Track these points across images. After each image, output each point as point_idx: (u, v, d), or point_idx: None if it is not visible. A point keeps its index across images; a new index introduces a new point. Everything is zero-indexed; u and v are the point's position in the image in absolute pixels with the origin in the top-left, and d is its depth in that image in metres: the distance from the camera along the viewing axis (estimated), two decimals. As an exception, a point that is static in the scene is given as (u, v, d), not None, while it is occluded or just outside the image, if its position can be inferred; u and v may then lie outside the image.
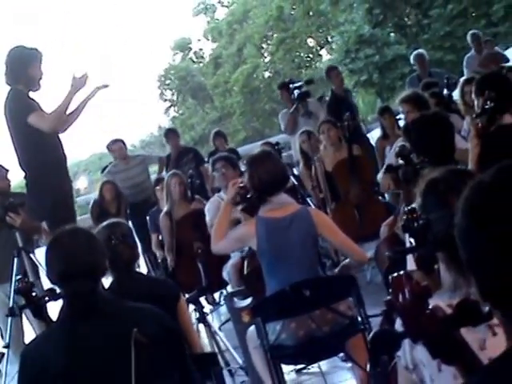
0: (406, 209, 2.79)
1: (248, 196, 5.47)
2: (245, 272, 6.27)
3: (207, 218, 7.86)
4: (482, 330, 2.34)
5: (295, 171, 10.51)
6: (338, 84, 12.23)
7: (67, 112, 7.14)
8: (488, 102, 5.32)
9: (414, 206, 2.80)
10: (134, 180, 11.23)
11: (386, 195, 9.25)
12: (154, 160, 12.06)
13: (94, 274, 3.66)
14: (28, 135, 7.02)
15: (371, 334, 2.00)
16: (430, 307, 1.97)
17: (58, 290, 3.80)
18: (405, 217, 2.75)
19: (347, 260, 6.00)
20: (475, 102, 5.62)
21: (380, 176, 7.69)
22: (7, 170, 7.63)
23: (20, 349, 5.26)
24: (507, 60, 11.72)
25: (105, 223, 4.93)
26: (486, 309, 1.86)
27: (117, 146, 11.69)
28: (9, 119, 7.08)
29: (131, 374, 3.28)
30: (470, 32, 13.91)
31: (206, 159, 11.93)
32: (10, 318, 6.45)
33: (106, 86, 7.44)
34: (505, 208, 1.67)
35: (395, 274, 1.98)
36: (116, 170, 11.60)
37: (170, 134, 12.86)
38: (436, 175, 2.87)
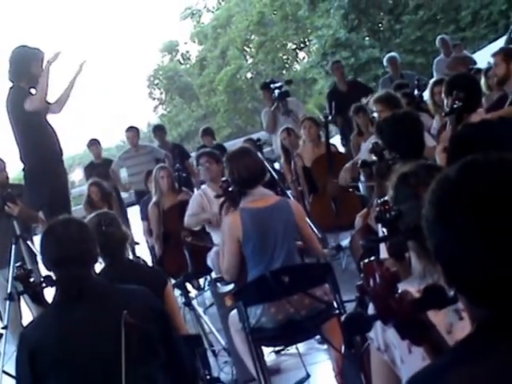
0: (378, 201, 2.80)
1: (230, 189, 5.47)
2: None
3: (189, 207, 7.88)
4: (449, 314, 2.34)
5: (276, 165, 10.55)
6: (339, 77, 12.23)
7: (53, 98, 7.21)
8: (456, 102, 5.34)
9: (386, 198, 2.80)
10: (142, 167, 11.09)
11: (361, 188, 9.27)
12: (161, 154, 11.77)
13: (85, 260, 3.68)
14: (27, 129, 7.03)
15: (344, 317, 2.00)
16: (399, 292, 1.97)
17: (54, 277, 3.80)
18: (377, 208, 2.76)
19: None
20: (444, 102, 5.63)
21: (343, 169, 7.73)
22: (5, 163, 7.60)
23: (18, 330, 5.27)
24: (475, 63, 11.74)
25: (93, 214, 4.94)
26: (451, 293, 1.87)
27: (130, 133, 11.83)
28: (10, 114, 7.10)
29: (121, 354, 3.27)
30: (439, 37, 13.94)
31: (192, 154, 11.95)
32: (8, 302, 6.46)
33: (84, 62, 7.48)
34: (467, 200, 1.68)
35: (366, 261, 1.98)
36: (126, 156, 11.79)
37: (158, 130, 12.89)
38: (407, 169, 2.87)
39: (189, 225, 7.64)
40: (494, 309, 1.69)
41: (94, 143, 12.42)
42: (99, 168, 11.94)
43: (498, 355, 1.65)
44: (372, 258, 1.99)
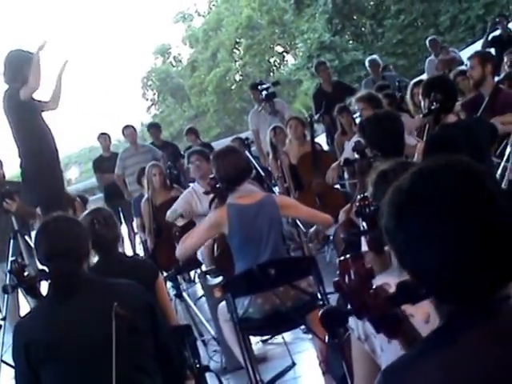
0: (359, 197, 2.81)
1: (218, 186, 5.47)
2: (215, 254, 6.27)
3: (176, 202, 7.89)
4: (427, 304, 2.35)
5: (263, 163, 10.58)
6: (325, 78, 12.17)
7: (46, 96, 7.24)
8: (434, 103, 5.35)
9: (366, 194, 2.81)
10: (141, 165, 11.01)
11: (347, 185, 9.28)
12: (158, 154, 11.64)
13: (76, 254, 3.69)
14: (24, 129, 7.02)
15: (321, 312, 1.99)
16: (374, 287, 1.97)
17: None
18: (358, 203, 2.77)
19: (313, 228, 6.16)
20: (422, 103, 5.64)
21: (330, 169, 7.74)
22: (1, 162, 7.59)
23: (15, 321, 5.24)
24: (462, 63, 11.73)
25: (87, 210, 4.94)
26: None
27: (128, 131, 11.66)
28: (7, 114, 7.08)
29: (112, 345, 3.27)
30: (429, 38, 13.95)
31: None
32: (5, 294, 6.45)
33: (67, 61, 7.46)
34: (420, 206, 1.71)
35: (342, 258, 1.99)
36: (126, 154, 11.54)
37: (153, 128, 12.75)
38: (385, 167, 2.88)
39: (167, 218, 7.67)
40: (459, 304, 1.73)
41: (103, 136, 12.28)
42: (107, 161, 11.83)
43: (464, 344, 1.67)
44: (347, 255, 2.00)
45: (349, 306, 2.00)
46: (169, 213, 7.68)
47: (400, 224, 1.75)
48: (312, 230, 6.23)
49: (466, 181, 1.71)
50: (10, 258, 6.30)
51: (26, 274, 4.00)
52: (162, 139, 12.66)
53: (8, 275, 6.11)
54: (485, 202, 1.68)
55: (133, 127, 11.86)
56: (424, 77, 12.40)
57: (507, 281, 1.74)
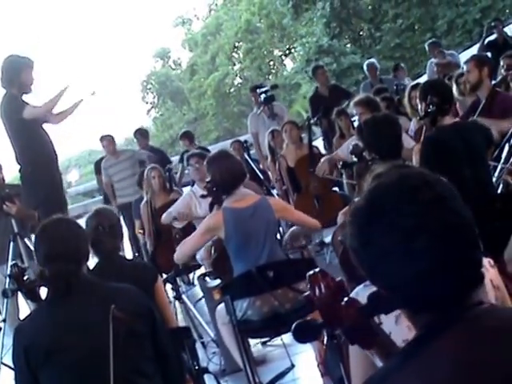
0: (355, 199, 2.81)
1: (214, 189, 5.47)
2: (212, 257, 6.28)
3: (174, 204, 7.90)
4: None
5: (261, 166, 10.60)
6: (322, 82, 12.13)
7: (56, 110, 7.24)
8: (430, 106, 5.35)
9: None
10: (127, 172, 10.89)
11: (345, 187, 9.29)
12: (144, 156, 11.40)
13: (75, 256, 3.68)
14: (22, 135, 7.03)
15: (293, 326, 1.99)
16: (346, 299, 1.96)
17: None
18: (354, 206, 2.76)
19: (294, 228, 6.20)
20: (419, 106, 5.64)
21: (322, 161, 7.75)
22: (0, 165, 7.59)
23: (15, 323, 5.24)
24: (458, 66, 11.73)
25: (96, 210, 4.92)
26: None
27: (105, 142, 11.23)
28: (5, 120, 7.10)
29: (110, 347, 3.27)
30: (429, 41, 13.96)
31: (173, 159, 11.62)
32: (5, 298, 6.44)
33: (93, 94, 7.42)
34: (378, 224, 1.73)
35: (311, 272, 1.99)
36: (107, 164, 11.29)
37: (139, 134, 12.33)
38: (381, 170, 2.88)
39: (163, 221, 7.76)
40: (434, 313, 1.74)
41: (106, 137, 12.12)
42: None
43: (440, 351, 1.68)
44: (317, 270, 2.00)
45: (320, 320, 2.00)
46: (164, 215, 7.71)
47: (364, 243, 1.76)
48: (292, 230, 6.25)
49: (420, 192, 1.72)
50: (10, 262, 6.30)
51: (25, 278, 4.00)
52: (149, 145, 12.32)
53: (8, 279, 6.12)
54: (441, 211, 1.70)
55: (110, 136, 11.37)
56: (423, 79, 12.43)
57: (476, 286, 1.75)
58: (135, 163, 11.00)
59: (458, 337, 1.68)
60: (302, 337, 2.00)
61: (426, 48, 13.55)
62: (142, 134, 12.38)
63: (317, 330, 1.98)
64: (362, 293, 2.55)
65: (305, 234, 6.16)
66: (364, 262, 1.78)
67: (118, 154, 11.27)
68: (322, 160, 7.78)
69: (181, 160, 11.52)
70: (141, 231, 8.98)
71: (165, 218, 7.70)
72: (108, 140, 11.25)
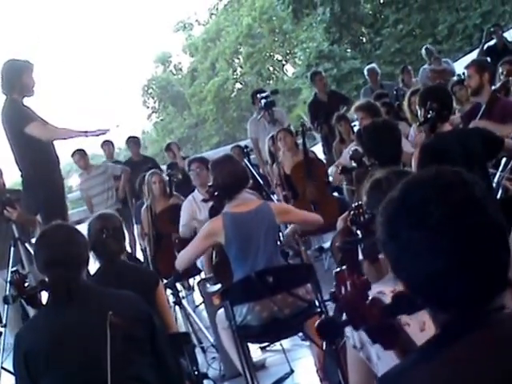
0: (353, 205, 2.81)
1: (216, 194, 5.47)
2: (213, 262, 6.28)
3: (181, 217, 7.91)
4: (422, 313, 2.35)
5: (262, 171, 10.60)
6: (321, 88, 12.12)
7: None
8: (430, 112, 5.35)
9: (360, 202, 2.81)
10: (100, 188, 10.85)
11: (345, 192, 9.29)
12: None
13: (74, 262, 3.69)
14: (24, 142, 7.02)
15: (317, 323, 1.99)
16: (370, 298, 1.97)
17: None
18: (352, 212, 2.77)
19: (288, 229, 6.30)
20: (419, 112, 5.63)
21: (331, 171, 7.73)
22: (1, 171, 7.59)
23: (17, 329, 5.25)
24: (453, 74, 11.74)
25: (98, 214, 4.94)
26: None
27: (76, 157, 11.08)
28: (6, 126, 7.09)
29: (107, 353, 3.27)
30: (424, 47, 13.93)
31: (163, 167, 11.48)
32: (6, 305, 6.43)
33: (104, 133, 7.43)
34: (408, 216, 1.72)
35: (338, 269, 1.99)
36: (81, 180, 11.26)
37: (132, 142, 12.19)
38: (379, 176, 2.89)
39: (184, 234, 7.63)
40: (453, 314, 1.73)
41: (106, 143, 12.05)
42: None
43: (457, 353, 1.67)
44: (343, 267, 2.00)
45: (345, 317, 2.00)
46: (181, 229, 7.70)
47: (391, 235, 1.76)
48: (288, 230, 6.28)
49: (454, 190, 1.72)
50: (11, 268, 6.30)
51: (26, 284, 4.01)
52: (141, 154, 12.24)
53: (8, 286, 6.11)
54: (473, 212, 1.69)
55: (82, 151, 11.09)
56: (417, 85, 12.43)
57: (500, 290, 1.74)
58: (109, 178, 10.90)
59: (477, 342, 1.67)
60: (326, 333, 2.01)
61: (423, 53, 13.52)
62: (134, 142, 12.29)
63: (341, 326, 1.99)
64: None
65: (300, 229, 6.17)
66: (390, 254, 1.78)
67: (90, 168, 11.15)
68: (335, 172, 7.74)
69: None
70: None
71: (184, 231, 7.67)
72: (79, 155, 11.06)
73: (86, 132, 7.12)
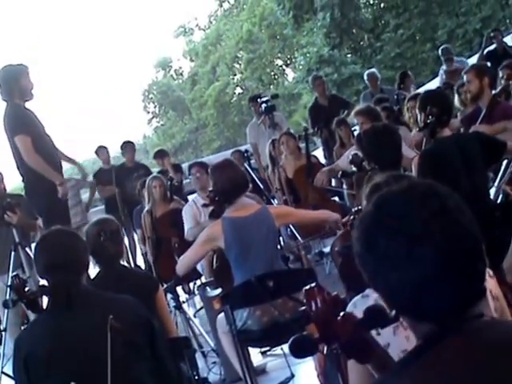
0: (353, 210, 2.81)
1: (216, 199, 5.47)
2: (213, 266, 6.28)
3: (184, 223, 7.90)
4: None
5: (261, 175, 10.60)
6: (321, 92, 12.14)
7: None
8: (430, 117, 5.35)
9: (360, 207, 2.81)
10: (69, 203, 10.75)
11: (346, 197, 9.29)
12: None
13: (74, 267, 3.70)
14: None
15: (290, 340, 1.98)
16: (343, 314, 1.96)
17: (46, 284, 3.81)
18: (351, 217, 2.77)
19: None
20: (418, 117, 5.63)
21: (321, 172, 7.74)
22: (2, 175, 7.59)
23: (17, 333, 5.25)
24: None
25: (95, 219, 4.95)
26: (393, 312, 1.89)
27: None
28: (8, 131, 7.11)
29: (107, 357, 3.26)
30: (441, 48, 13.93)
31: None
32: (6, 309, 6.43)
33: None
34: (383, 230, 1.75)
35: (308, 287, 1.99)
36: None
37: (128, 147, 11.97)
38: (379, 180, 2.88)
39: (189, 238, 7.60)
40: (432, 324, 1.75)
41: (101, 149, 11.92)
42: (107, 174, 11.53)
43: (439, 357, 1.69)
44: (313, 284, 2.00)
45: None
46: (188, 232, 7.69)
47: (368, 247, 1.78)
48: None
49: (428, 201, 1.74)
50: (11, 273, 6.29)
51: (26, 289, 4.00)
52: (135, 160, 12.03)
53: (9, 290, 6.11)
54: (446, 223, 1.71)
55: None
56: (434, 85, 12.44)
57: (477, 298, 1.76)
58: (77, 192, 10.79)
59: (456, 349, 1.68)
60: (299, 352, 2.00)
61: (440, 54, 13.54)
62: (130, 147, 12.12)
63: (313, 345, 1.97)
64: (359, 303, 2.55)
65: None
66: (367, 266, 1.80)
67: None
68: (321, 171, 7.78)
69: None
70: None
71: (190, 234, 7.63)
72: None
73: (60, 183, 7.15)
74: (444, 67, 12.92)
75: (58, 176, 7.24)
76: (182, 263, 5.63)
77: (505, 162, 6.35)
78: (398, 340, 2.47)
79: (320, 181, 7.68)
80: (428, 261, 1.68)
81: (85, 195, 11.11)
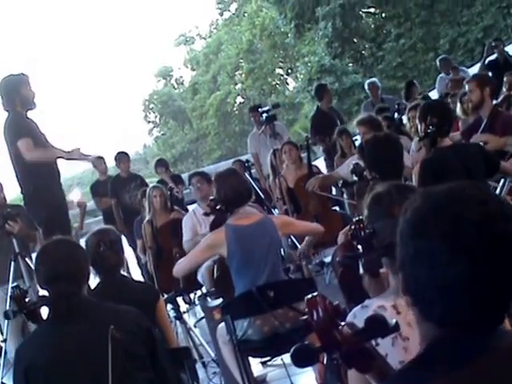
0: (354, 219, 2.81)
1: (217, 208, 5.49)
2: (214, 276, 6.28)
3: (183, 233, 7.91)
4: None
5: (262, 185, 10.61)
6: (329, 99, 12.14)
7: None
8: (430, 127, 5.36)
9: (361, 217, 2.82)
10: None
11: (347, 207, 9.30)
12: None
13: (75, 277, 3.69)
14: (21, 155, 7.05)
15: (291, 350, 1.99)
16: (343, 323, 1.97)
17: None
18: (353, 226, 2.78)
19: (303, 244, 6.40)
20: (419, 127, 5.65)
21: (316, 178, 7.74)
22: (1, 185, 7.60)
23: (17, 343, 5.25)
24: None
25: (95, 229, 4.95)
26: (393, 321, 1.89)
27: None
28: (8, 138, 7.12)
29: (108, 368, 3.27)
30: (440, 57, 13.98)
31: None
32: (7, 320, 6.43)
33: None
34: (443, 227, 1.68)
35: (309, 296, 2.00)
36: None
37: (122, 157, 11.68)
38: (380, 190, 2.89)
39: (186, 250, 7.60)
40: (443, 329, 1.72)
41: (98, 160, 11.70)
42: (104, 185, 11.41)
43: (446, 376, 1.65)
44: (315, 294, 2.01)
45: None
46: (185, 244, 7.70)
47: (416, 233, 1.73)
48: (303, 245, 6.30)
49: (468, 206, 1.69)
50: (11, 284, 6.29)
51: (27, 299, 4.01)
52: (129, 171, 11.71)
53: (9, 301, 6.11)
54: (485, 226, 1.66)
55: None
56: (434, 94, 12.46)
57: (503, 316, 1.72)
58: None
59: (483, 370, 1.64)
60: (301, 361, 2.00)
61: (438, 64, 13.56)
62: (125, 158, 11.85)
63: (314, 354, 1.98)
64: (359, 314, 2.56)
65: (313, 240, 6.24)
66: (405, 250, 1.76)
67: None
68: (316, 176, 7.80)
69: None
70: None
71: (187, 246, 7.64)
72: None
73: (87, 158, 7.18)
74: (445, 76, 12.96)
75: (61, 152, 7.24)
76: (181, 266, 5.63)
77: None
78: (395, 351, 2.47)
79: (311, 185, 7.69)
80: (464, 263, 1.65)
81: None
